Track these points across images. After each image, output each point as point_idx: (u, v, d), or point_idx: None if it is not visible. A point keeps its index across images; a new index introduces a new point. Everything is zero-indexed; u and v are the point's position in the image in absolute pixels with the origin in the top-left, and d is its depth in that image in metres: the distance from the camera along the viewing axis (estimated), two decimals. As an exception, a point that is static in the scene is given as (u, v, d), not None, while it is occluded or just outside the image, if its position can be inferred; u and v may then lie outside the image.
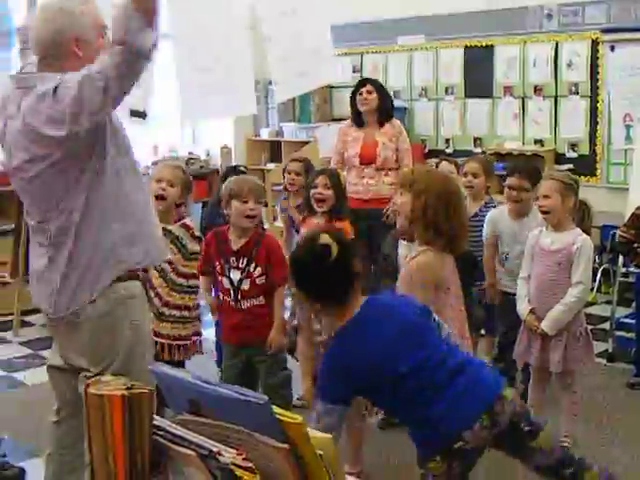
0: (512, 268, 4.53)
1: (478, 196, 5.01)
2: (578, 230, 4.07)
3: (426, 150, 8.67)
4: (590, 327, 4.25)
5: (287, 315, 4.35)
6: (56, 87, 2.65)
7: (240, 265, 3.91)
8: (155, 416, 1.62)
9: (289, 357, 4.23)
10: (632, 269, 5.75)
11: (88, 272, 2.84)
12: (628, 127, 7.22)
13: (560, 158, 7.69)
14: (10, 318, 6.45)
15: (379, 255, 4.69)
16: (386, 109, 5.98)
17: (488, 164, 5.19)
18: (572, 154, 7.64)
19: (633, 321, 5.44)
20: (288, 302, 4.50)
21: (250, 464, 1.44)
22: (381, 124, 5.96)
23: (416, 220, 3.27)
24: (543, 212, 4.09)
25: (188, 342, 4.17)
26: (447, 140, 8.57)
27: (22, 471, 4.02)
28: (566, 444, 3.86)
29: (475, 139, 8.34)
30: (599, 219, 4.74)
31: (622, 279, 5.99)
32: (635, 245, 5.12)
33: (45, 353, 5.27)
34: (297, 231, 4.77)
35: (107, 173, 2.81)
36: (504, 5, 7.92)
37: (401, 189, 3.36)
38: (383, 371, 2.62)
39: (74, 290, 2.85)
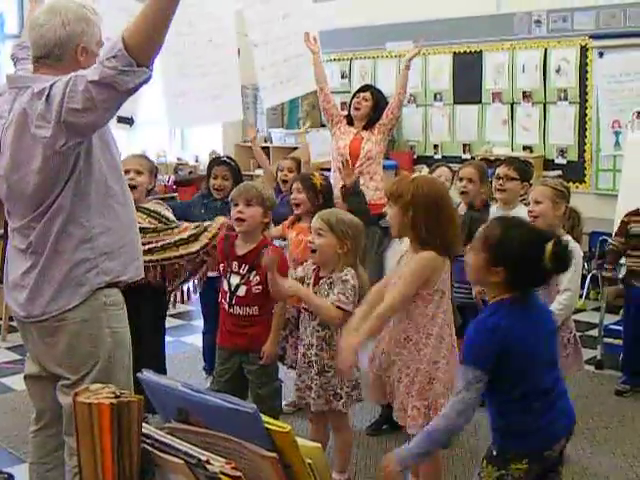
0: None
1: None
2: (567, 237, 4.07)
3: (415, 156, 8.70)
4: (579, 334, 4.26)
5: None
6: (50, 87, 2.62)
7: (241, 271, 3.89)
8: (144, 424, 1.62)
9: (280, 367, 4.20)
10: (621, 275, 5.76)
11: (66, 282, 2.81)
12: (617, 133, 7.26)
13: (549, 164, 7.73)
14: (-3, 323, 6.41)
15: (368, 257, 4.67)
16: (375, 119, 6.02)
17: (483, 170, 5.18)
18: (561, 160, 7.67)
19: (621, 328, 5.46)
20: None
21: (238, 473, 1.44)
22: (366, 128, 6.03)
23: (407, 232, 3.29)
24: (533, 217, 4.09)
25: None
26: (436, 146, 8.60)
27: (10, 477, 4.00)
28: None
29: (464, 145, 8.37)
30: (588, 226, 4.74)
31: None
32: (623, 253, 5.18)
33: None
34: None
35: (92, 184, 2.79)
36: (493, 11, 7.97)
37: (389, 201, 3.37)
38: (530, 368, 2.63)
39: (51, 297, 2.82)
